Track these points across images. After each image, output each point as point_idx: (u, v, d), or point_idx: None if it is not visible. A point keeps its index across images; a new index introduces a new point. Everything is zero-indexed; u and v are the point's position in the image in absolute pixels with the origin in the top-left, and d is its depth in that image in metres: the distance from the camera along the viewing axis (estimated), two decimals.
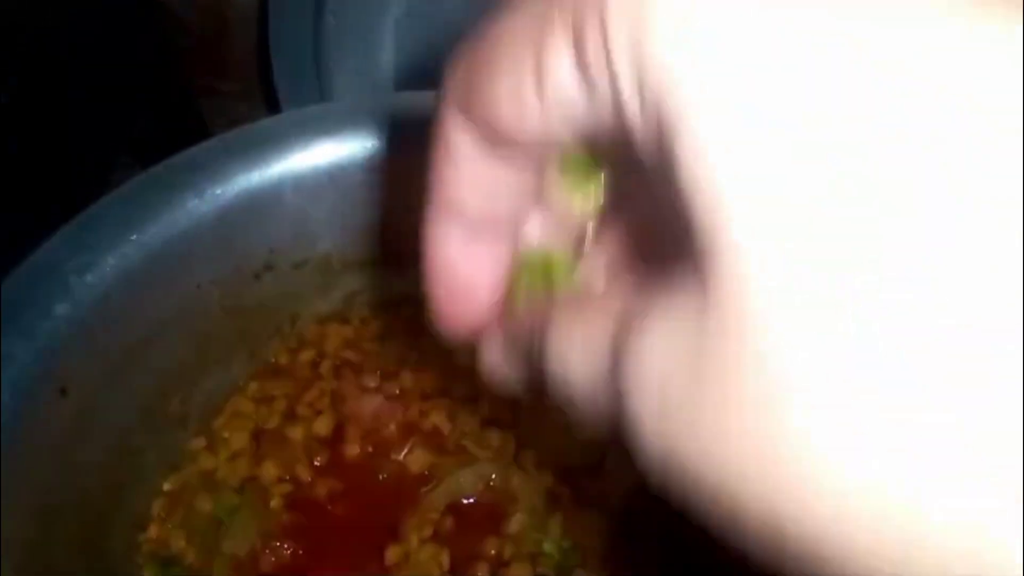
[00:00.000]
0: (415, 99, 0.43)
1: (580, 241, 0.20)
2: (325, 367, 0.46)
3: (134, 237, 0.36)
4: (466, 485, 0.42)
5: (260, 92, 0.72)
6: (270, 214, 0.41)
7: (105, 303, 0.36)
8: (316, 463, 0.43)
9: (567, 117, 0.14)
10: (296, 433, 0.43)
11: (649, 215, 0.18)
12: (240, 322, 0.43)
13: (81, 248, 0.36)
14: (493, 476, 0.42)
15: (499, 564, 0.39)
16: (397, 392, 0.45)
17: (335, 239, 0.43)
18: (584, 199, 0.20)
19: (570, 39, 0.13)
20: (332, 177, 0.41)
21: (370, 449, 0.43)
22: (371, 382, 0.45)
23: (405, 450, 0.43)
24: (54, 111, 0.52)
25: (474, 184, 0.17)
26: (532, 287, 0.20)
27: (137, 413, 0.39)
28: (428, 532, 0.40)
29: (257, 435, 0.43)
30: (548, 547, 0.39)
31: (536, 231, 0.20)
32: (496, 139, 0.16)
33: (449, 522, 0.41)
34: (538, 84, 0.14)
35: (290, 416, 0.44)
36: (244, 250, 0.41)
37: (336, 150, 0.41)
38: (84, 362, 0.35)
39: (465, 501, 0.42)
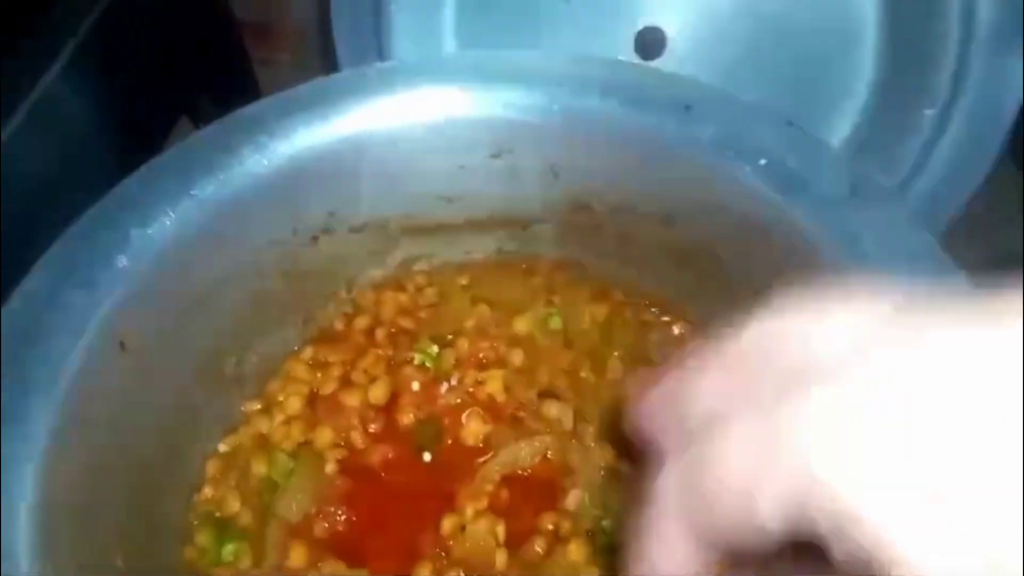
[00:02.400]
0: (478, 59, 0.42)
1: None
2: (380, 334, 0.45)
3: (194, 192, 0.36)
4: (522, 457, 0.41)
5: (315, 62, 0.71)
6: (329, 175, 0.40)
7: (164, 258, 0.35)
8: (371, 430, 0.42)
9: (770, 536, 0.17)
10: (351, 399, 0.42)
11: None
12: (296, 285, 0.42)
13: (141, 202, 0.35)
14: (550, 449, 0.41)
15: (556, 540, 0.38)
16: (453, 361, 0.44)
17: (394, 203, 0.42)
18: None
19: (781, 498, 0.16)
20: (392, 139, 0.40)
21: (424, 418, 0.42)
22: (427, 350, 0.44)
23: (460, 420, 0.42)
24: (115, 77, 0.52)
25: (674, 560, 0.19)
26: None
27: (193, 372, 0.39)
28: (483, 504, 0.39)
29: (312, 400, 0.43)
30: (607, 524, 0.38)
31: None
32: (709, 541, 0.19)
33: (504, 494, 0.40)
34: (754, 520, 0.17)
35: (345, 382, 0.43)
36: (302, 211, 0.40)
37: (397, 111, 0.40)
38: (143, 317, 0.35)
39: (521, 473, 0.41)
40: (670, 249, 0.43)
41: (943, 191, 0.45)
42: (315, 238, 0.41)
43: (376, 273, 0.46)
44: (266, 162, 0.37)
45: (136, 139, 0.53)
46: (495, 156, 0.42)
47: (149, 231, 0.35)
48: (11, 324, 0.31)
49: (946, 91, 0.46)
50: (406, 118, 0.40)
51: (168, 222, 0.35)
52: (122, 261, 0.34)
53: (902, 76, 0.49)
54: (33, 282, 0.33)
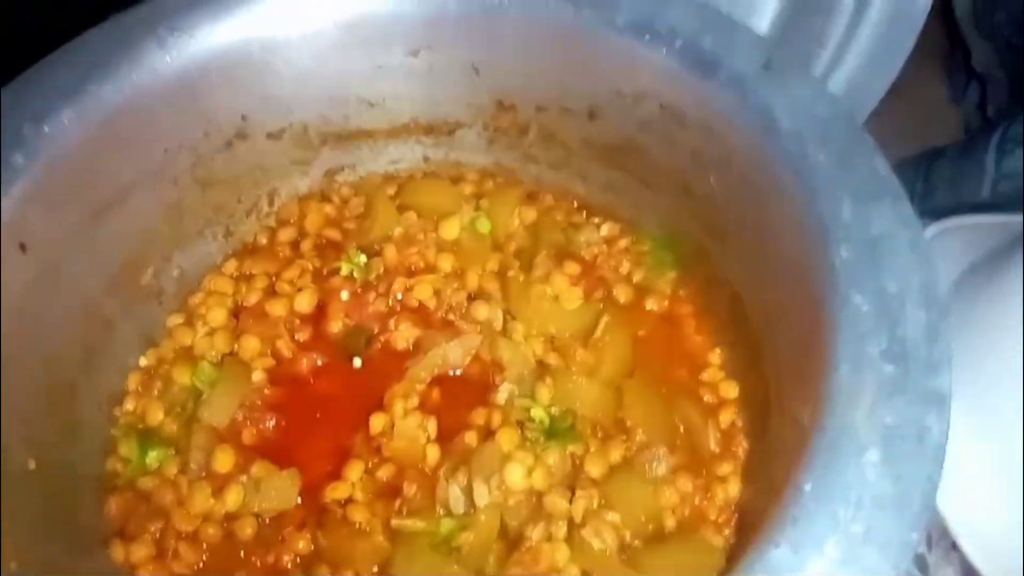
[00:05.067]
0: None
1: None
2: (306, 246, 0.44)
3: (90, 88, 0.34)
4: (452, 356, 0.40)
5: None
6: (238, 74, 0.38)
7: (65, 157, 0.34)
8: (298, 339, 0.41)
9: None
10: (277, 309, 0.41)
11: None
12: (214, 195, 0.41)
13: (35, 98, 0.34)
14: (479, 348, 0.41)
15: (488, 433, 0.38)
16: (381, 270, 0.43)
17: (311, 107, 0.41)
18: None
19: None
20: (304, 37, 0.39)
21: (353, 326, 0.42)
22: (354, 260, 0.43)
23: (390, 326, 0.42)
24: None
25: None
26: None
27: (106, 280, 0.38)
28: (413, 403, 0.39)
29: (236, 312, 0.42)
30: (536, 413, 0.38)
31: None
32: None
33: (435, 394, 0.40)
34: None
35: (270, 293, 0.42)
36: (213, 113, 0.39)
37: (307, 7, 0.39)
38: (45, 218, 0.34)
39: (452, 374, 0.41)
40: (595, 147, 0.42)
41: (864, 78, 0.45)
42: (229, 144, 0.40)
43: (299, 184, 0.45)
44: (168, 58, 0.36)
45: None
46: (413, 54, 0.41)
47: (45, 128, 0.33)
48: None
49: None
50: (317, 14, 0.39)
51: (65, 119, 0.34)
52: (18, 159, 0.33)
53: None
54: None
